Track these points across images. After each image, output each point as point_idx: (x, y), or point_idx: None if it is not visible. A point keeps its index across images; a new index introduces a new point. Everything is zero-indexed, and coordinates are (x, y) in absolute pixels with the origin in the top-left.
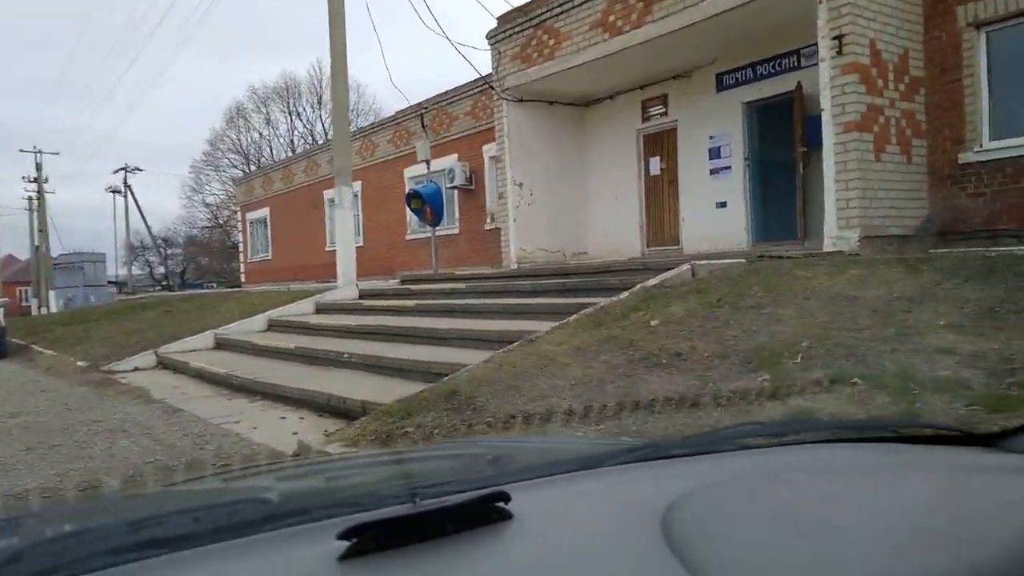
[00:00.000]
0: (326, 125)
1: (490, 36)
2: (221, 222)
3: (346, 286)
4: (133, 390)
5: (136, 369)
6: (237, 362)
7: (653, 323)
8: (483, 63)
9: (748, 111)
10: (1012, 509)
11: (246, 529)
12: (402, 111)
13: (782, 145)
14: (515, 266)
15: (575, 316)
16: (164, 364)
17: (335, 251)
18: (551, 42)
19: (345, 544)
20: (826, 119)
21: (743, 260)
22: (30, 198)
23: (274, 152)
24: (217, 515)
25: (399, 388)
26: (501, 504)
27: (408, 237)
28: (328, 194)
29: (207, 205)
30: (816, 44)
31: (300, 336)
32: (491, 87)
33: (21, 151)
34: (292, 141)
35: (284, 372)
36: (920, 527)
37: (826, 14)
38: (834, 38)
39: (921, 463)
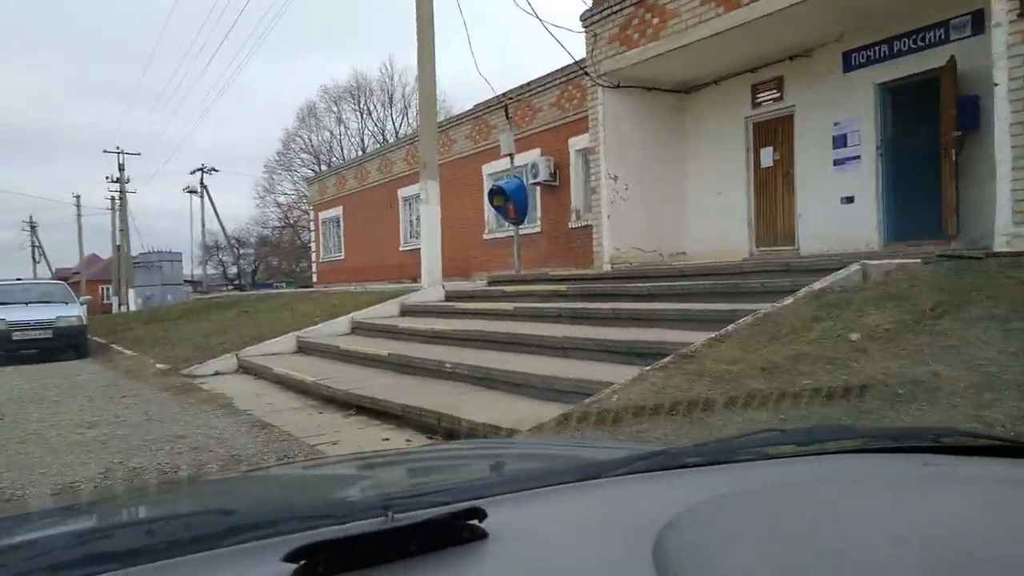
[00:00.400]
0: (396, 123)
1: (584, 18)
2: (292, 222)
3: (431, 287)
4: (215, 398)
5: (217, 373)
6: (323, 368)
7: (853, 337)
8: (573, 49)
9: (882, 93)
10: None
11: (203, 543)
12: (480, 104)
13: (924, 130)
14: (608, 267)
15: (733, 326)
16: (245, 368)
17: (410, 251)
18: (655, 21)
19: (293, 566)
20: (1000, 94)
21: (918, 261)
22: (112, 198)
23: (344, 151)
24: (174, 527)
25: (521, 408)
26: (475, 522)
27: (486, 236)
28: (403, 192)
29: (279, 205)
30: (967, 15)
31: (389, 341)
32: (585, 73)
33: (105, 151)
34: (363, 140)
35: (378, 382)
36: (957, 547)
37: None
38: None
39: (960, 475)
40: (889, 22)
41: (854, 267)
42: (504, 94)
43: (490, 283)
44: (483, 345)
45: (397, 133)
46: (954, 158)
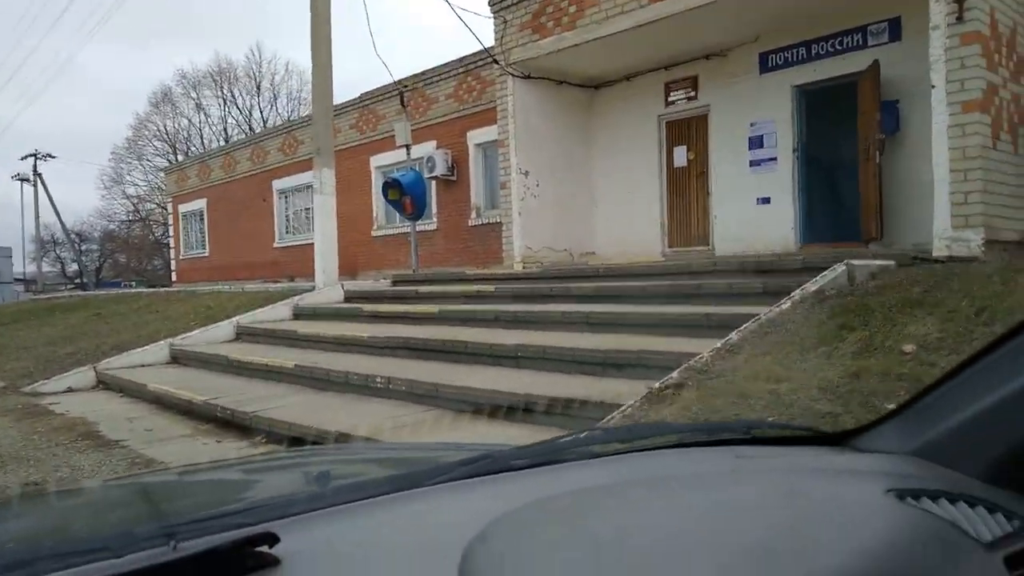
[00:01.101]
0: (265, 113)
1: (494, 2)
2: (143, 215)
3: (329, 287)
4: (74, 424)
5: (70, 391)
6: (212, 384)
7: (907, 349)
8: (481, 35)
9: (799, 95)
10: (853, 508)
11: None
12: (369, 92)
13: (842, 134)
14: (519, 267)
15: (737, 334)
16: (107, 384)
17: (286, 247)
18: (572, 9)
19: None
20: (938, 97)
21: (893, 263)
22: None
23: (205, 140)
24: None
25: (498, 435)
26: (264, 548)
27: (375, 233)
28: (279, 184)
29: (128, 197)
30: (885, 21)
31: (289, 349)
32: (495, 61)
33: None
34: (226, 129)
35: (290, 400)
36: (761, 532)
37: None
38: (954, 1)
39: (766, 466)
40: (807, 26)
41: (840, 268)
42: (398, 82)
43: (396, 283)
44: (414, 355)
45: (265, 123)
46: (877, 161)
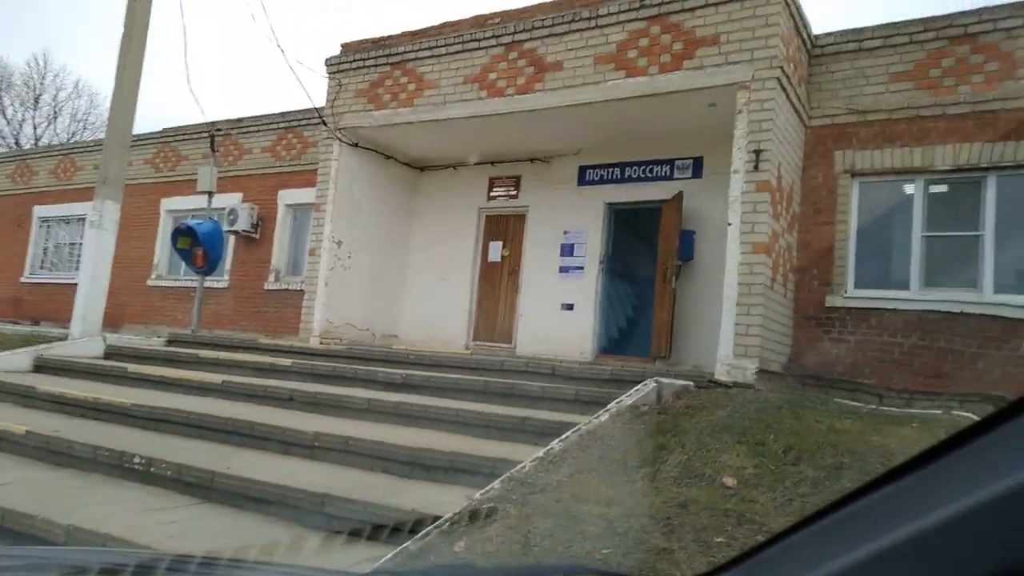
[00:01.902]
0: (39, 130)
1: (331, 63)
2: None
3: (87, 337)
4: None
5: None
6: None
7: (729, 483)
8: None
9: (610, 212)
10: None
11: None
12: (174, 128)
13: (644, 253)
14: (317, 341)
15: (559, 443)
16: None
17: (36, 284)
18: (411, 87)
19: None
20: (733, 234)
21: (691, 383)
22: None
23: None
24: None
25: (282, 540)
26: None
27: (151, 282)
28: (41, 211)
29: None
30: (690, 159)
31: (24, 410)
32: (323, 122)
33: None
34: None
35: (13, 478)
36: None
37: (746, 125)
38: (753, 151)
39: None
40: (623, 150)
41: (651, 384)
42: (211, 124)
43: (171, 342)
44: (186, 432)
45: (37, 141)
46: (673, 285)
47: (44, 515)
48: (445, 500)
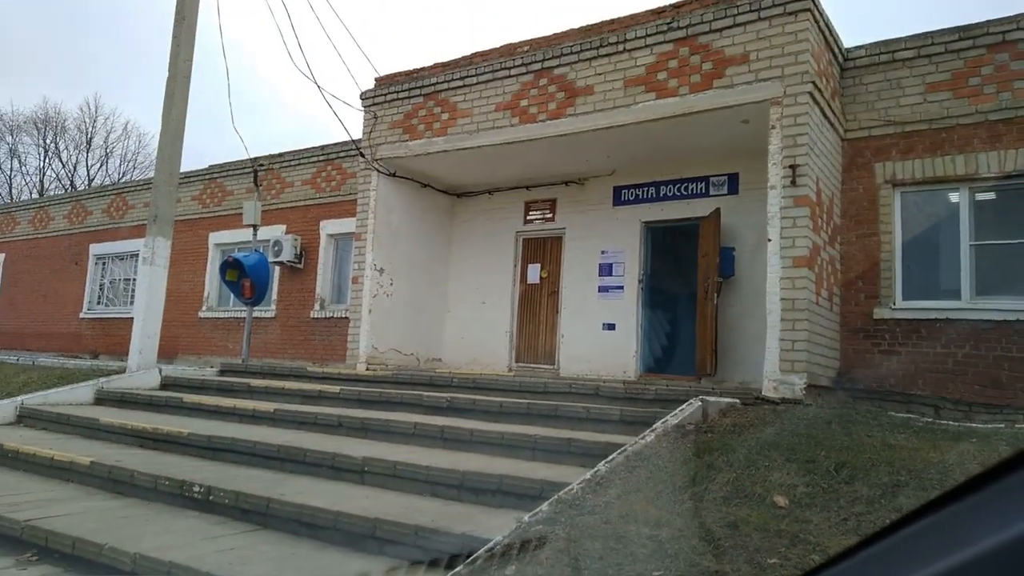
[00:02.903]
0: (92, 172)
1: (366, 97)
2: None
3: (144, 370)
4: None
5: None
6: None
7: (780, 503)
8: (350, 127)
9: (647, 231)
10: None
11: None
12: (219, 165)
13: (683, 271)
14: (363, 367)
15: (606, 465)
16: None
17: (94, 319)
18: (444, 116)
19: None
20: (773, 249)
21: (737, 401)
22: None
23: (15, 190)
24: None
25: (338, 567)
26: None
27: (202, 314)
28: (97, 249)
29: None
30: (725, 175)
31: (87, 441)
32: (361, 154)
33: None
34: (42, 181)
35: (77, 508)
36: None
37: (780, 141)
38: (789, 166)
39: None
40: (658, 169)
41: (696, 403)
42: (254, 159)
43: (223, 372)
44: (242, 460)
45: (91, 182)
46: (715, 301)
47: (111, 544)
48: (494, 524)
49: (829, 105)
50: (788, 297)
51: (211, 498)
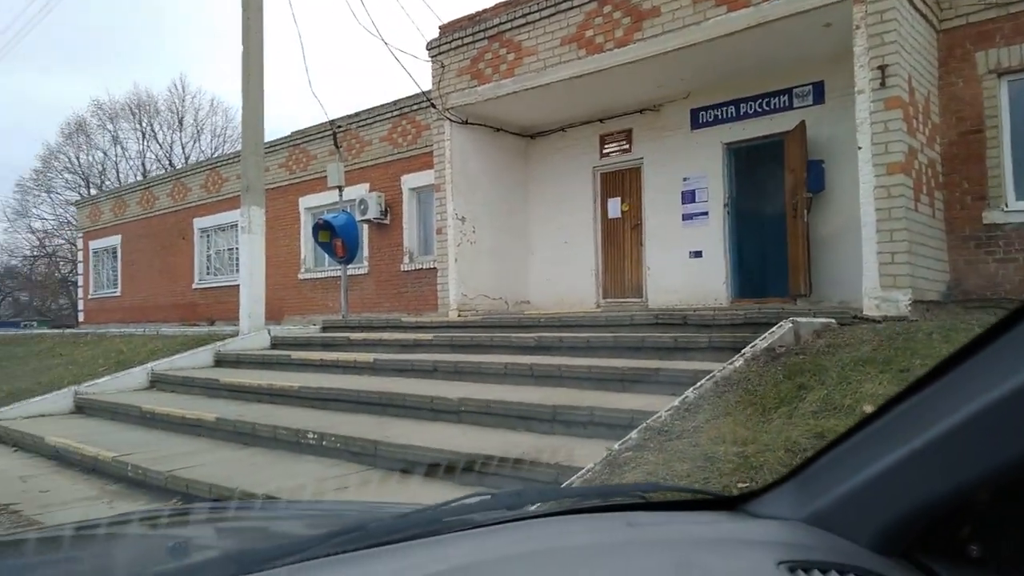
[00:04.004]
0: (187, 149)
1: (431, 47)
2: (50, 251)
3: (254, 332)
4: None
5: None
6: (122, 438)
7: (868, 410)
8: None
9: (728, 152)
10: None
11: None
12: (300, 131)
13: (770, 190)
14: (455, 314)
15: (694, 391)
16: (0, 438)
17: (206, 288)
18: (510, 57)
19: None
20: (864, 158)
21: (834, 320)
22: None
23: (121, 174)
24: None
25: (441, 496)
26: None
27: (302, 276)
28: (200, 222)
29: (33, 231)
30: (809, 84)
31: (210, 400)
32: (432, 105)
33: None
34: (143, 164)
35: (210, 458)
36: None
37: (865, 41)
38: (877, 67)
39: (658, 534)
40: (736, 86)
41: (787, 325)
42: (332, 122)
43: (325, 328)
44: (349, 407)
45: (187, 159)
46: (805, 219)
47: (243, 487)
48: (585, 453)
49: None
50: (884, 207)
51: (324, 443)
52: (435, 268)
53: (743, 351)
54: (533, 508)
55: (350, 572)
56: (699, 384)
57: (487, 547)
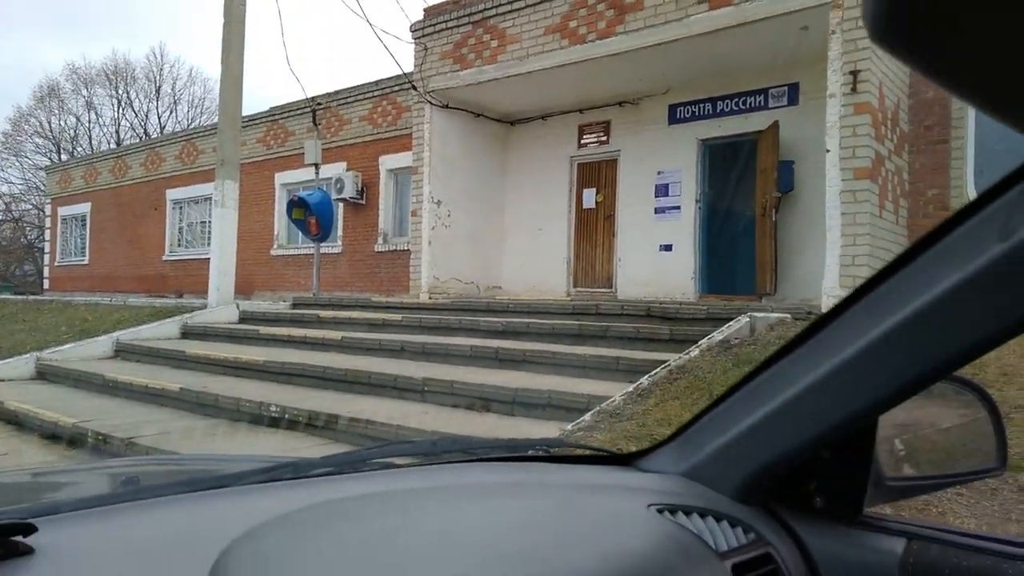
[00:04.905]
0: (163, 119)
1: (415, 29)
2: (16, 216)
3: (223, 305)
4: None
5: None
6: (84, 405)
7: None
8: (401, 61)
9: (704, 149)
10: (617, 519)
11: None
12: (279, 107)
13: (741, 188)
14: (426, 297)
15: (649, 379)
16: None
17: (176, 261)
18: (493, 43)
19: None
20: (832, 161)
21: (789, 316)
22: None
23: (94, 142)
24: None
25: None
26: (19, 537)
27: (274, 252)
28: (173, 194)
29: (0, 195)
30: (785, 86)
31: (175, 371)
32: (413, 87)
33: None
34: (118, 131)
35: (171, 427)
36: (529, 538)
37: (840, 46)
38: (850, 72)
39: (550, 479)
40: (714, 83)
41: (744, 319)
42: (311, 99)
43: (295, 305)
44: (312, 383)
45: (163, 129)
46: (773, 218)
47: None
48: (541, 432)
49: None
50: (849, 211)
51: (286, 416)
52: (409, 250)
53: (700, 343)
54: (445, 456)
55: (273, 496)
56: (654, 372)
57: (393, 483)
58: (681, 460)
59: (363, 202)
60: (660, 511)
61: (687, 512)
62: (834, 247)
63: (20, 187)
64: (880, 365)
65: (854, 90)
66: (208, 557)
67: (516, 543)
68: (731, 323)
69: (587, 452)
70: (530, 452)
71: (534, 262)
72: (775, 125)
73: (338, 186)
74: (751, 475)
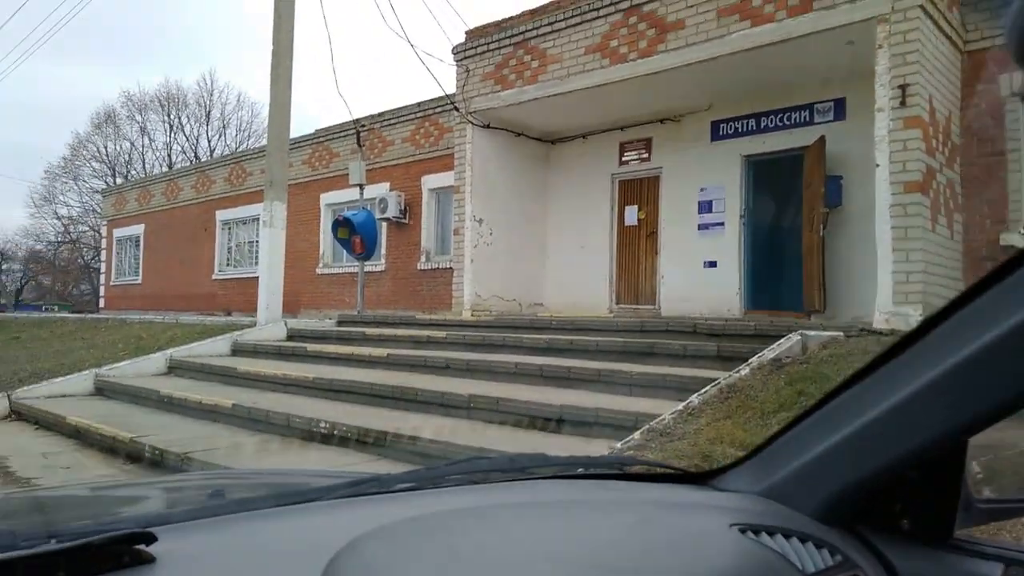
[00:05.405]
0: (212, 142)
1: (457, 51)
2: (74, 237)
3: (271, 323)
4: None
5: None
6: (141, 420)
7: None
8: (443, 82)
9: (747, 165)
10: (698, 539)
11: None
12: (324, 128)
13: (787, 204)
14: (468, 314)
15: (698, 397)
16: (22, 414)
17: (225, 280)
18: (534, 64)
19: None
20: (881, 176)
21: (841, 334)
22: None
23: (147, 165)
24: None
25: None
26: (141, 546)
27: (320, 271)
28: (223, 215)
29: (59, 217)
30: (831, 101)
31: (226, 387)
32: (455, 108)
33: None
34: (170, 155)
35: (224, 443)
36: (611, 554)
37: (887, 60)
38: (898, 87)
39: (629, 497)
40: (757, 99)
41: (795, 337)
42: (356, 121)
43: (341, 323)
44: (360, 400)
45: (212, 153)
46: (821, 233)
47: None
48: (589, 450)
49: (945, 17)
50: (900, 225)
51: (335, 432)
52: (451, 268)
53: (750, 360)
54: (524, 471)
55: (365, 510)
56: (704, 390)
57: (478, 498)
58: (759, 479)
59: (406, 221)
60: (743, 531)
61: (770, 532)
62: (886, 263)
63: (78, 210)
64: (972, 384)
65: (903, 104)
66: (316, 568)
67: (606, 559)
68: (781, 341)
69: (661, 470)
70: (603, 470)
71: (576, 279)
72: (822, 140)
73: (382, 206)
74: (835, 495)
